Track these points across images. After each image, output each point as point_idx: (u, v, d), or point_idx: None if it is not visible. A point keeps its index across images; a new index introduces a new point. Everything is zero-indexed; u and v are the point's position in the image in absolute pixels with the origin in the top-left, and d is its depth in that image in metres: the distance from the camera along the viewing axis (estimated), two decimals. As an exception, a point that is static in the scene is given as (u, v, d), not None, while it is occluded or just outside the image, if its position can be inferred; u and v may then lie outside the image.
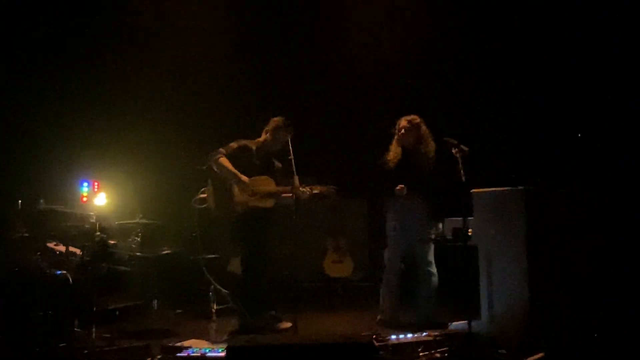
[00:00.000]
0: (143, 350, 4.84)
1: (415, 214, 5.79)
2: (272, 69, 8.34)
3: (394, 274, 5.90)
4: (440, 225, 5.73)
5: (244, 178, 5.56)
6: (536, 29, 7.49)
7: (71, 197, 6.49)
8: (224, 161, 5.57)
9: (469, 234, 5.12)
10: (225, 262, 6.85)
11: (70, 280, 5.35)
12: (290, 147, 5.50)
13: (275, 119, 5.85)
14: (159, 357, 4.68)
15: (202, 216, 5.80)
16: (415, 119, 5.88)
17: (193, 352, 4.64)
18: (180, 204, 6.45)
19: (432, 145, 5.75)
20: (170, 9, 7.88)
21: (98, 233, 6.01)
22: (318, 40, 8.27)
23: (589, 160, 6.52)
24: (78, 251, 5.72)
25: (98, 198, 6.61)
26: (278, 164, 5.87)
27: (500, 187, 5.15)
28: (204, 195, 5.73)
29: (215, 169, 5.60)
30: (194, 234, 6.12)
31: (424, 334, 5.01)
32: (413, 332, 5.12)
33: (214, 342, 5.09)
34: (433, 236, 5.75)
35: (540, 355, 4.45)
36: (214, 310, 6.22)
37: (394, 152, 5.91)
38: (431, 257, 5.83)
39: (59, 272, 5.40)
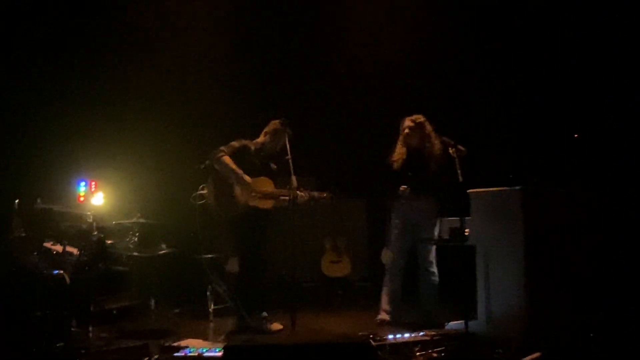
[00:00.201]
0: (141, 349, 4.82)
1: (420, 213, 5.80)
2: (272, 69, 8.35)
3: (397, 273, 5.91)
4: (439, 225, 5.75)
5: (247, 178, 5.58)
6: (536, 29, 7.48)
7: (68, 197, 6.49)
8: (227, 160, 5.59)
9: (466, 233, 5.12)
10: (223, 261, 6.84)
11: (68, 280, 5.34)
12: (288, 148, 5.51)
13: (275, 121, 5.86)
14: (156, 356, 4.68)
15: (202, 214, 5.80)
16: (419, 118, 5.89)
17: (190, 352, 4.64)
18: (178, 203, 6.46)
19: (437, 144, 5.72)
20: (170, 9, 7.88)
21: (95, 233, 6.01)
22: (318, 40, 8.27)
23: (588, 160, 6.50)
24: (75, 251, 5.71)
25: (95, 198, 6.61)
26: (273, 166, 5.89)
27: (498, 186, 5.15)
28: (203, 192, 5.74)
29: (218, 167, 5.61)
30: (192, 234, 6.11)
31: (421, 333, 5.00)
32: (410, 331, 5.11)
33: (211, 341, 5.09)
34: (436, 236, 5.76)
35: (537, 354, 4.44)
36: (211, 310, 6.21)
37: (398, 152, 5.91)
38: (432, 257, 5.85)
39: (57, 272, 5.38)
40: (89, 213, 6.11)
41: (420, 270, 5.87)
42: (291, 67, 8.33)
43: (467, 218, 5.16)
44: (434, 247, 5.83)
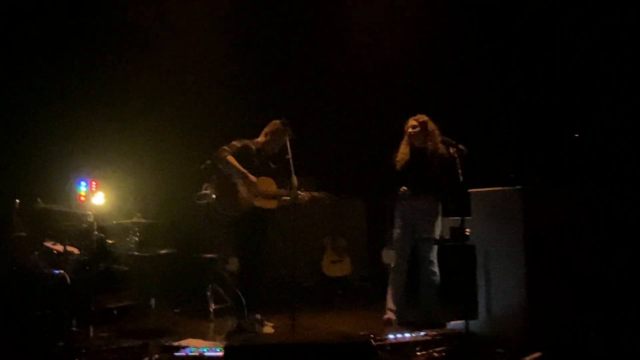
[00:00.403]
0: (141, 349, 4.83)
1: (420, 213, 5.80)
2: (272, 69, 8.34)
3: (401, 273, 5.91)
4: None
5: (252, 178, 5.58)
6: (536, 29, 7.48)
7: (69, 197, 6.48)
8: (232, 159, 5.58)
9: (467, 233, 5.12)
10: (224, 261, 6.85)
11: (68, 279, 5.35)
12: (289, 148, 5.51)
13: (275, 121, 5.85)
14: (156, 356, 4.67)
15: (206, 213, 5.80)
16: (423, 117, 5.88)
17: (191, 352, 4.64)
18: (178, 203, 6.46)
19: (440, 143, 5.72)
20: (170, 9, 7.87)
21: (96, 232, 6.01)
22: (318, 40, 8.26)
23: (588, 160, 6.50)
24: (76, 250, 5.72)
25: (96, 197, 6.60)
26: (273, 166, 5.88)
27: (499, 186, 5.15)
28: (207, 192, 5.73)
29: (222, 167, 5.60)
30: (192, 232, 6.12)
31: (422, 333, 5.01)
32: (411, 331, 5.11)
33: (211, 341, 5.09)
34: (437, 236, 5.76)
35: (537, 354, 4.45)
36: (212, 310, 6.21)
37: (402, 152, 5.91)
38: (433, 257, 5.84)
39: (57, 271, 5.40)
40: (89, 213, 6.11)
41: (421, 270, 5.87)
42: (291, 67, 8.32)
43: (467, 218, 5.16)
44: (434, 247, 5.83)
